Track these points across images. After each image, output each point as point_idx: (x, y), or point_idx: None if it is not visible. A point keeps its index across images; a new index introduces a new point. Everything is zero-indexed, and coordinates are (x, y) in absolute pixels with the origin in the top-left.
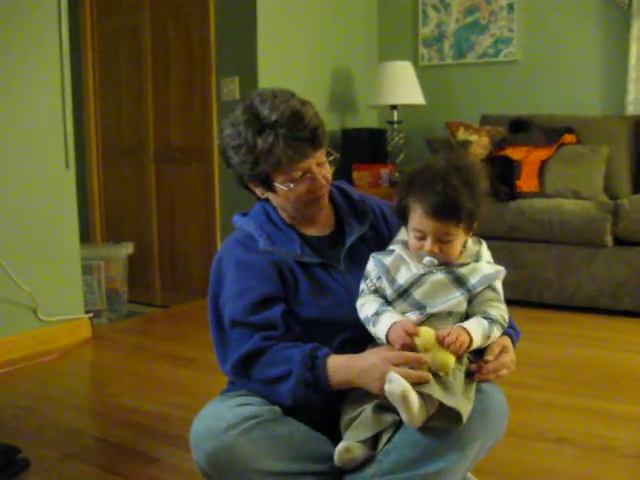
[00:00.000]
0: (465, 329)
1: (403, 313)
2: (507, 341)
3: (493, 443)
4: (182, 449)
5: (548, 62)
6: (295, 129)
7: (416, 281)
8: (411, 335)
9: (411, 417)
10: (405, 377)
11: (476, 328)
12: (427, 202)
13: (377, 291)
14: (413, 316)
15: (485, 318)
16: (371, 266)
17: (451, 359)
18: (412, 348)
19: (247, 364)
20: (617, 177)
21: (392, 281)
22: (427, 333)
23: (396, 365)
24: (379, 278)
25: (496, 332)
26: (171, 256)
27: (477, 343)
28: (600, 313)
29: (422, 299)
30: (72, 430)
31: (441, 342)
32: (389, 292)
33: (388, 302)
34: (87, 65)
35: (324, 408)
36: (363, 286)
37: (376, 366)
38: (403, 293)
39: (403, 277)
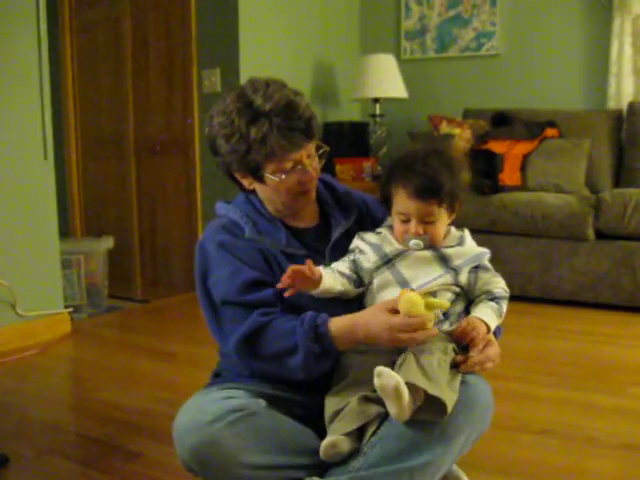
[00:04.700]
0: (478, 318)
1: (383, 285)
2: (490, 335)
3: (478, 435)
4: (165, 444)
5: (530, 56)
6: (290, 119)
7: (401, 253)
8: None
9: (401, 411)
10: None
11: (488, 313)
12: (409, 184)
13: (355, 263)
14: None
15: (491, 300)
16: (356, 242)
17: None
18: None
19: (251, 341)
20: (599, 171)
21: (378, 250)
22: (407, 301)
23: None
24: (361, 251)
25: (504, 307)
26: (152, 250)
27: (494, 325)
28: (581, 306)
29: (405, 272)
30: (52, 426)
31: (461, 337)
32: (373, 259)
33: (360, 282)
34: (66, 56)
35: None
36: (337, 263)
37: (382, 334)
38: (388, 262)
39: (389, 249)
